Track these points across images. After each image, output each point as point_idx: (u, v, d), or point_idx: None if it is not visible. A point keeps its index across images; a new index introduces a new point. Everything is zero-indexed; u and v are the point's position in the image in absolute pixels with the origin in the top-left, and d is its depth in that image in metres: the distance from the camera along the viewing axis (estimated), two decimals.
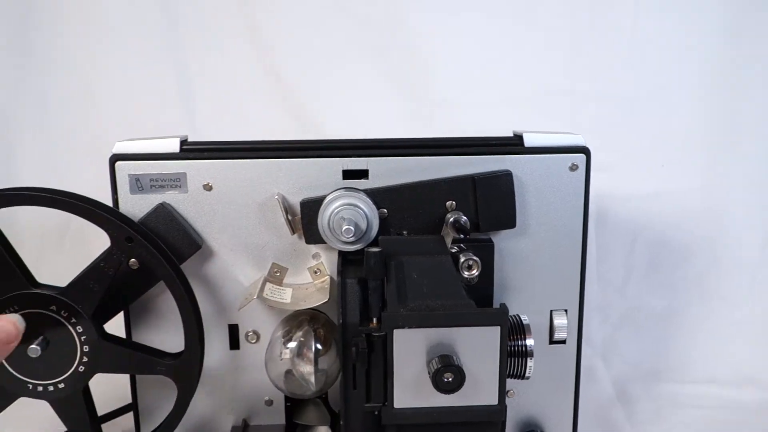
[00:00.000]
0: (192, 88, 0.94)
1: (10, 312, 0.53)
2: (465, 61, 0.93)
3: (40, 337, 0.54)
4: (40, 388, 0.55)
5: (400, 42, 0.93)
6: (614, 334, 0.97)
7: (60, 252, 0.96)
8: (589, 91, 0.94)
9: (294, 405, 0.64)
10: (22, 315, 0.53)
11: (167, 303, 0.60)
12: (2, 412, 0.58)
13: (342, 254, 0.57)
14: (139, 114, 0.92)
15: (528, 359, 0.56)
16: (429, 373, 0.53)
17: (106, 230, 0.54)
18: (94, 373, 0.56)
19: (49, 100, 0.95)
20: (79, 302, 0.54)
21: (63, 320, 0.54)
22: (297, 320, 0.59)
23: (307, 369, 0.56)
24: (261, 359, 0.61)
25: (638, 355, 0.96)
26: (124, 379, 0.63)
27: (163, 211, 0.57)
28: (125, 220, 0.55)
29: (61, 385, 0.55)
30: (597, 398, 0.87)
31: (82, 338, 0.54)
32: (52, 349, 0.54)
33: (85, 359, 0.55)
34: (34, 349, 0.53)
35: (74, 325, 0.54)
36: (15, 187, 0.54)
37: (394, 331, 0.52)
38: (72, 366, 0.55)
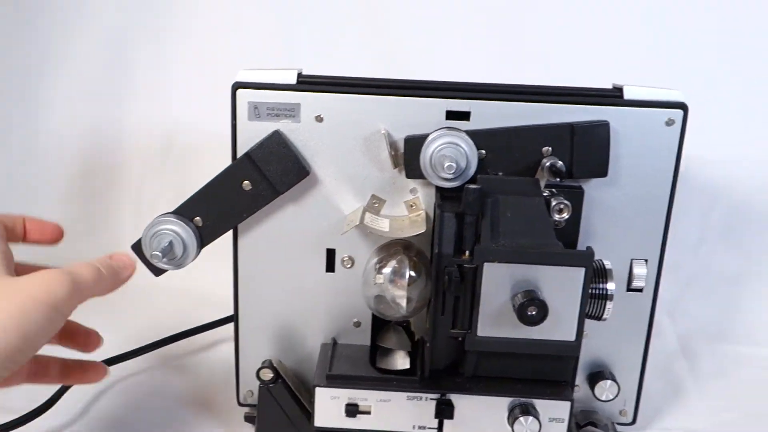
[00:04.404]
0: (292, 27, 0.98)
1: None
2: (565, 13, 0.95)
3: None
4: None
5: None
6: (684, 293, 0.99)
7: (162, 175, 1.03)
8: (686, 51, 0.95)
9: (378, 329, 0.68)
10: None
11: None
12: None
13: (439, 190, 0.60)
14: (245, 50, 0.97)
15: (607, 302, 0.59)
16: (513, 306, 0.56)
17: None
18: None
19: (164, 27, 1.00)
20: None
21: None
22: (392, 249, 0.63)
23: (399, 293, 0.60)
24: (354, 283, 0.66)
25: (705, 314, 0.98)
26: None
27: (277, 137, 0.61)
28: None
29: None
30: (661, 351, 0.90)
31: None
32: None
33: None
34: None
35: None
36: None
37: (485, 264, 0.56)
38: None
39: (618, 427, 0.70)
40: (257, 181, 0.61)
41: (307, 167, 0.62)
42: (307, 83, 0.61)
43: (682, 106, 0.60)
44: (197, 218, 0.62)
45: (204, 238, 0.63)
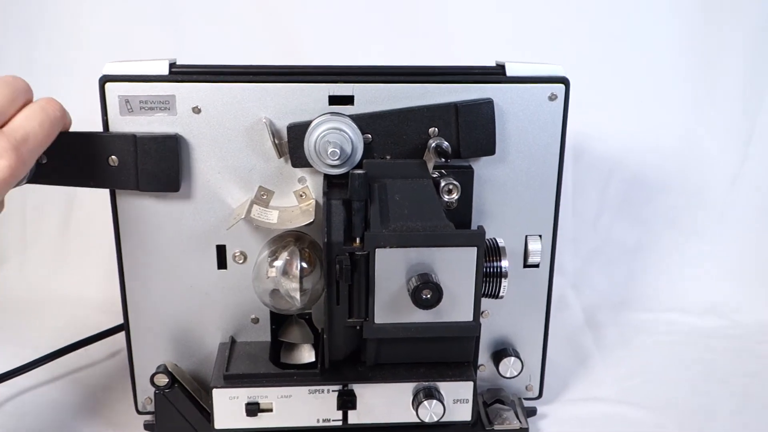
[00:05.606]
0: (176, 12, 0.94)
1: None
2: None
3: None
4: None
5: None
6: (586, 266, 1.02)
7: None
8: (573, 29, 0.96)
9: (279, 324, 0.66)
10: None
11: None
12: None
13: (327, 177, 0.59)
14: (123, 37, 0.92)
15: (503, 280, 0.59)
16: (408, 291, 0.56)
17: None
18: None
19: (34, 22, 0.94)
20: None
21: None
22: (283, 241, 0.61)
23: (292, 286, 0.59)
24: (248, 279, 0.64)
25: (608, 285, 1.00)
26: None
27: (172, 142, 0.58)
28: None
29: None
30: (567, 324, 0.92)
31: None
32: None
33: None
34: None
35: None
36: None
37: (376, 250, 0.55)
38: None
39: (525, 402, 0.70)
40: (125, 165, 0.58)
41: (179, 185, 0.60)
42: (181, 73, 0.58)
43: (564, 81, 0.61)
44: (43, 155, 0.54)
45: (39, 176, 0.57)
